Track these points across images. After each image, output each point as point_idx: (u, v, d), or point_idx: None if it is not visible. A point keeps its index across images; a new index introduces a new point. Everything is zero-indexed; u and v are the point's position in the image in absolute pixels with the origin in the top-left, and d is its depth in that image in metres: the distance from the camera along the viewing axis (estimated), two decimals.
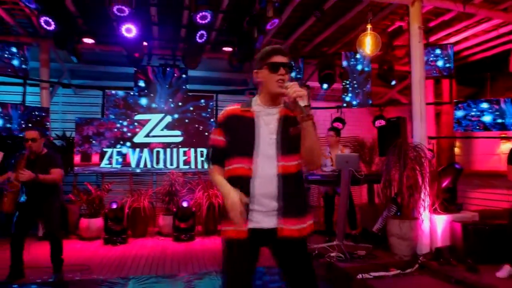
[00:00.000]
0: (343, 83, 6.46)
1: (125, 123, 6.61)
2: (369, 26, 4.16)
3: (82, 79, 7.83)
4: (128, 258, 4.71)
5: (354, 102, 6.40)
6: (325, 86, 6.63)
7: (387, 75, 6.18)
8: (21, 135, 5.97)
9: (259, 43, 5.83)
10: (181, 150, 6.76)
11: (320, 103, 7.90)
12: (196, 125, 6.88)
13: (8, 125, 5.82)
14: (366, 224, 5.67)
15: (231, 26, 6.08)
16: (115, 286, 3.63)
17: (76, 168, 6.30)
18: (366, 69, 6.34)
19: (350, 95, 6.41)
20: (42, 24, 4.67)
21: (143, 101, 6.73)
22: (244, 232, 1.66)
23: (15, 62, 5.84)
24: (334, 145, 5.46)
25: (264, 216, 1.67)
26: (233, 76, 8.10)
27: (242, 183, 1.67)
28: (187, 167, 6.75)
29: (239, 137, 1.69)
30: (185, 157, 6.76)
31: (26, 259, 3.74)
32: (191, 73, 6.96)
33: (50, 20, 4.65)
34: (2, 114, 5.77)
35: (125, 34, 5.24)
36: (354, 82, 6.38)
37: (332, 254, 4.49)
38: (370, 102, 6.33)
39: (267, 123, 1.71)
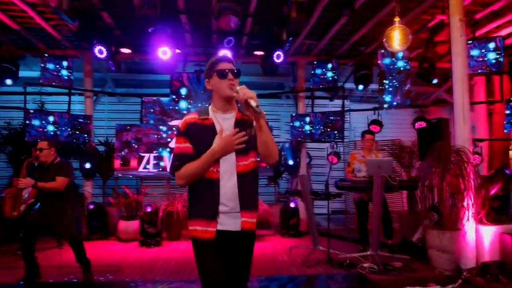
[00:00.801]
0: (383, 83, 6.11)
1: (163, 129, 6.82)
2: (397, 19, 3.87)
3: (125, 87, 8.26)
4: (159, 261, 4.81)
5: (394, 103, 6.03)
6: (360, 87, 6.34)
7: (427, 73, 5.74)
8: (67, 141, 6.43)
9: (290, 45, 5.73)
10: None
11: (357, 105, 7.58)
12: None
13: (58, 133, 6.27)
14: (406, 233, 5.31)
15: (262, 29, 6.04)
16: None
17: (116, 172, 6.61)
18: (407, 67, 5.96)
19: (389, 95, 6.05)
20: None
21: (179, 106, 6.90)
22: (212, 233, 1.76)
23: (63, 74, 6.30)
24: (370, 150, 5.15)
25: (229, 218, 1.78)
26: (269, 80, 8.03)
27: (212, 185, 1.79)
28: None
29: (203, 143, 1.81)
30: None
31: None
32: None
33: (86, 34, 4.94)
34: (51, 122, 6.23)
35: (161, 56, 5.55)
36: (394, 81, 6.01)
37: (364, 265, 4.25)
38: (409, 102, 5.92)
39: (225, 128, 1.85)
